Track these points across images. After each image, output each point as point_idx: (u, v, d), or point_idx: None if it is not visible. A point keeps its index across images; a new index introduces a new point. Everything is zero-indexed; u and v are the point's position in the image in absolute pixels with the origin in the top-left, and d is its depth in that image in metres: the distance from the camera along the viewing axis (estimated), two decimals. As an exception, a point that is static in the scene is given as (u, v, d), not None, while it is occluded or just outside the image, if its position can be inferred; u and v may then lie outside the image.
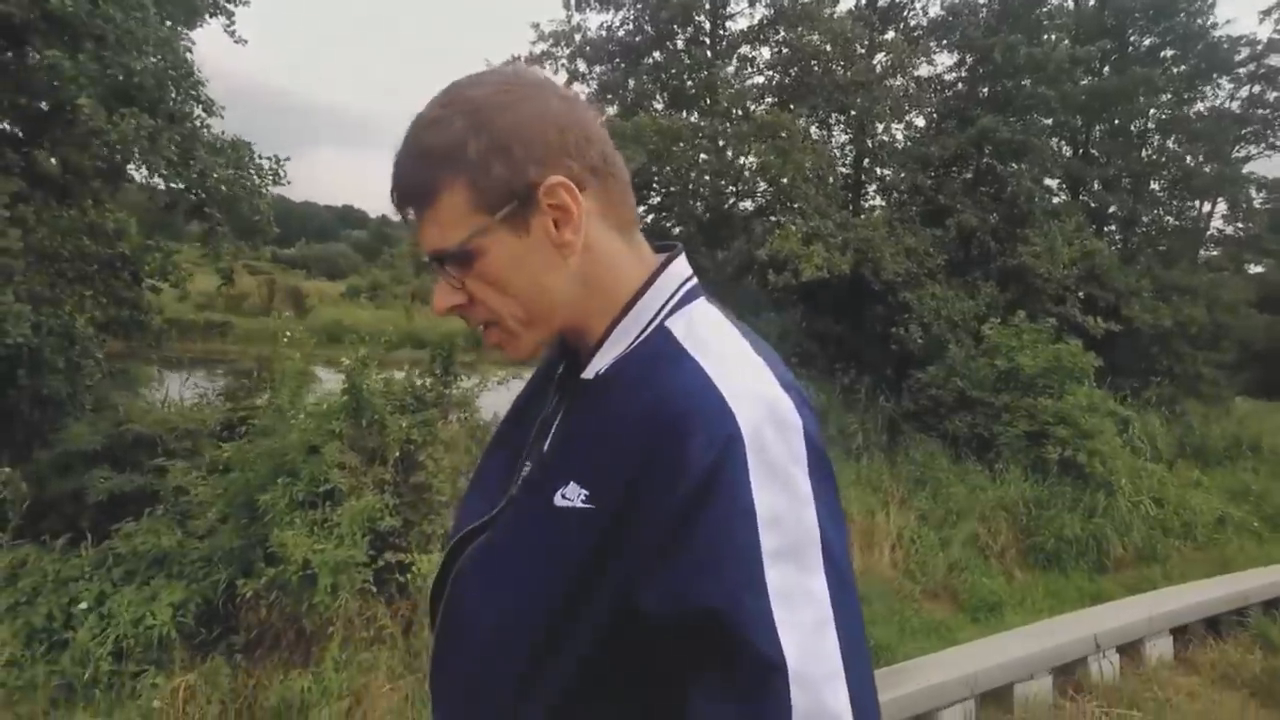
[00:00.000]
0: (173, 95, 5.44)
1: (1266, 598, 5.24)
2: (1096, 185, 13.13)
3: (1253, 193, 13.31)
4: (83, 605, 3.98)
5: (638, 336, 0.74)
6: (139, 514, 4.60)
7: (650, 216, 12.00)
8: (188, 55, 5.63)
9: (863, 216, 9.59)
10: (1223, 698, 3.99)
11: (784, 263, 8.32)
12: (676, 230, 11.14)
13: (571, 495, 0.69)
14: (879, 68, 11.11)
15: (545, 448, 0.78)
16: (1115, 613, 4.80)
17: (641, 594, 0.63)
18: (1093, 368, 8.74)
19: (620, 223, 0.77)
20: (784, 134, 8.51)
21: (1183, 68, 12.53)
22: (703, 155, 9.99)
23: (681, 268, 0.80)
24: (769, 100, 11.04)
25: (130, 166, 6.06)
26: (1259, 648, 4.64)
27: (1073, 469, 7.90)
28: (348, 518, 3.96)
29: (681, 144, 9.60)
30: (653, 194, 11.28)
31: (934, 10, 11.81)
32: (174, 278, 7.72)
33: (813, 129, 10.88)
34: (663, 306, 0.75)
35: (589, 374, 0.75)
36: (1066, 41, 10.62)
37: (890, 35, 11.72)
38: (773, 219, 9.78)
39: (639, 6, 11.45)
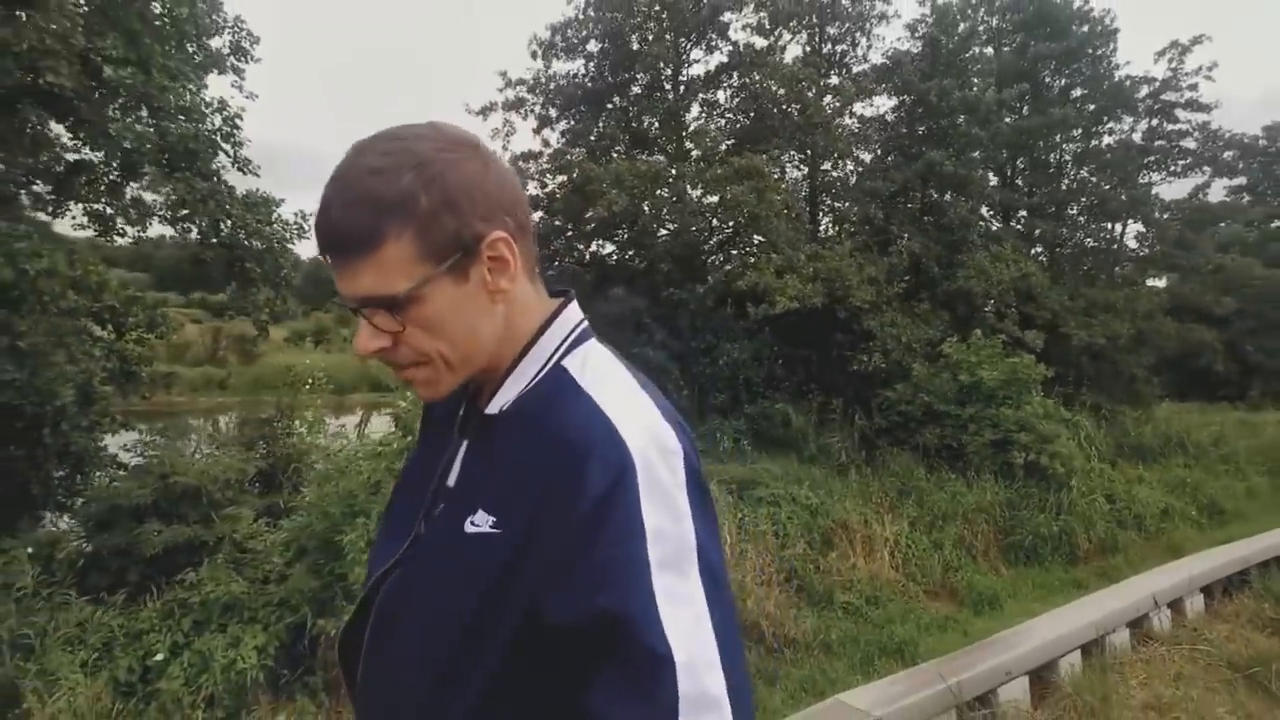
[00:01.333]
0: (219, 156, 5.62)
1: (1261, 560, 6.29)
2: (1023, 213, 14.37)
3: (1157, 214, 14.73)
4: (159, 656, 4.04)
5: (536, 374, 0.81)
6: (189, 565, 4.66)
7: (616, 256, 12.49)
8: (237, 120, 5.81)
9: (831, 248, 10.24)
10: (1252, 637, 4.78)
11: (761, 295, 8.86)
12: (642, 266, 11.65)
13: (480, 521, 0.75)
14: (829, 109, 11.97)
15: (451, 482, 0.84)
16: (1159, 578, 5.59)
17: (547, 605, 0.70)
18: (1043, 378, 9.55)
19: (530, 271, 0.84)
20: (758, 176, 9.11)
21: (1091, 106, 13.88)
22: (675, 197, 10.52)
23: (574, 312, 0.87)
24: (729, 142, 11.73)
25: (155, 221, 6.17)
26: (1271, 599, 5.47)
27: (1036, 472, 8.62)
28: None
29: (660, 189, 10.13)
30: (620, 233, 11.77)
31: (874, 57, 12.79)
32: (161, 330, 7.71)
33: (771, 168, 11.58)
34: (559, 347, 0.82)
35: (493, 409, 0.81)
36: (992, 85, 11.70)
37: (835, 80, 12.65)
38: (744, 253, 10.34)
39: (601, 54, 12.06)
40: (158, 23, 4.87)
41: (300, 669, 4.14)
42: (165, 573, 4.68)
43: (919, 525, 7.53)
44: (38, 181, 6.19)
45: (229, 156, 5.73)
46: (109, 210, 7.09)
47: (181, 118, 5.11)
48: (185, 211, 6.29)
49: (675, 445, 0.74)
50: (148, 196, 5.73)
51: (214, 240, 5.99)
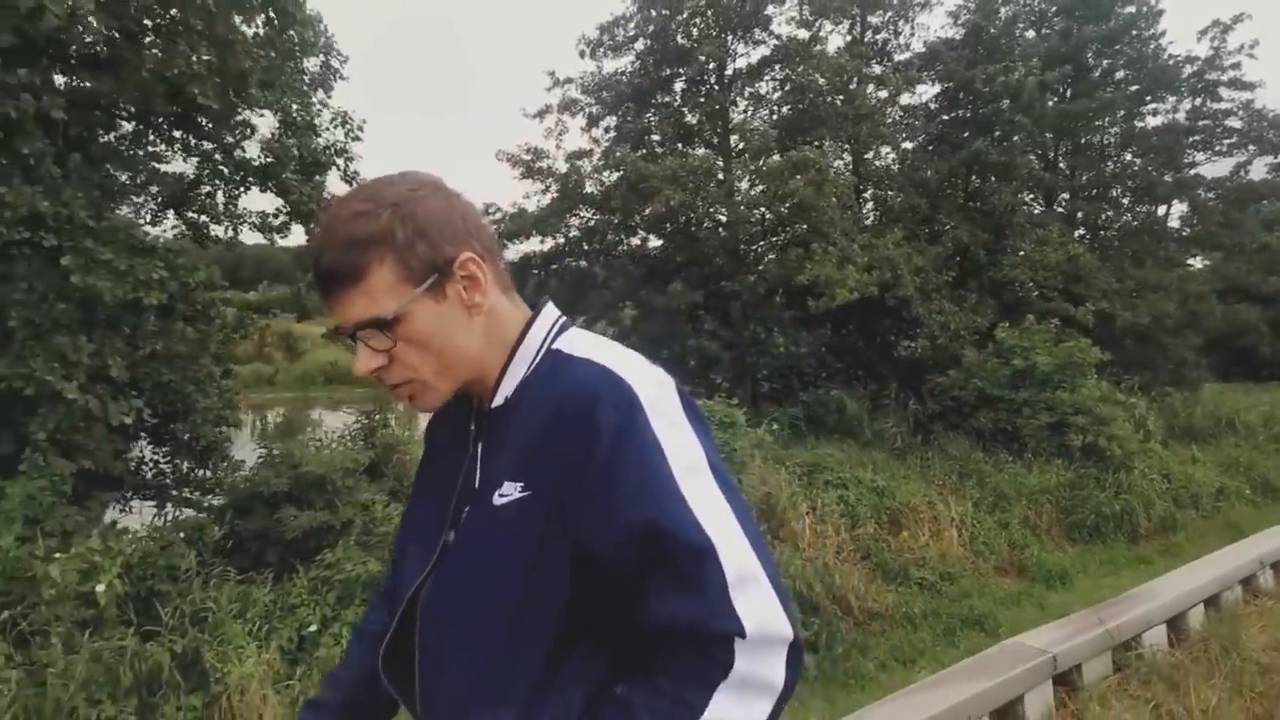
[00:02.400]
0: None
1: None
2: (1065, 196, 14.41)
3: (1201, 195, 14.68)
4: (312, 628, 4.44)
5: (530, 365, 0.90)
6: (322, 546, 5.07)
7: (667, 249, 12.73)
8: (359, 133, 6.22)
9: (881, 236, 10.44)
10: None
11: (821, 287, 9.12)
12: (693, 259, 11.92)
13: (508, 491, 0.83)
14: (874, 99, 12.11)
15: (477, 484, 0.90)
16: (1265, 542, 5.83)
17: (591, 540, 0.78)
18: (1099, 361, 9.70)
19: (504, 287, 0.94)
20: (815, 169, 9.33)
21: (1134, 87, 13.86)
22: (726, 191, 10.77)
23: (552, 310, 0.97)
24: (775, 133, 11.92)
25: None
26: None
27: (1094, 454, 8.81)
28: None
29: (710, 183, 10.39)
30: (670, 227, 12.03)
31: (917, 45, 12.89)
32: (245, 330, 8.13)
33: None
34: (545, 338, 0.92)
35: (498, 402, 0.90)
36: (1036, 70, 11.75)
37: (877, 69, 12.77)
38: (793, 244, 10.56)
39: (648, 52, 12.29)
40: (286, 45, 5.25)
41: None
42: (299, 554, 5.09)
43: (982, 506, 7.76)
44: (148, 193, 6.61)
45: (339, 170, 6.13)
46: (203, 219, 7.54)
47: (310, 132, 5.51)
48: (283, 220, 6.67)
49: (667, 378, 0.86)
50: (251, 206, 6.15)
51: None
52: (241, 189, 6.37)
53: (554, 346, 0.90)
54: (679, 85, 12.73)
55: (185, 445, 5.75)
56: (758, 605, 0.73)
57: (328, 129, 5.96)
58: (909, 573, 6.38)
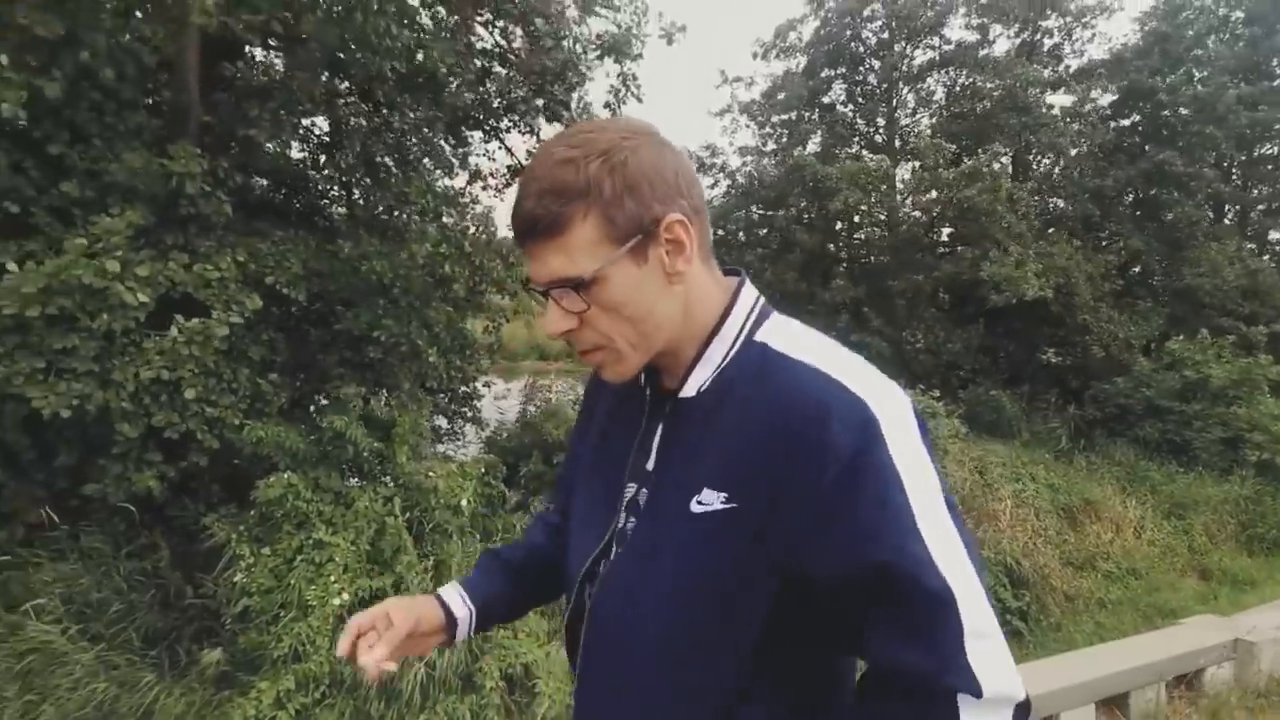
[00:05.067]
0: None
1: None
2: (1236, 208, 14.02)
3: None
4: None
5: (726, 354, 0.81)
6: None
7: (837, 246, 13.27)
8: None
9: (1055, 243, 10.67)
10: None
11: (1000, 285, 9.53)
12: (861, 257, 12.44)
13: (708, 500, 0.76)
14: (1042, 106, 12.20)
15: (650, 466, 0.84)
16: None
17: (812, 565, 0.72)
18: (1278, 380, 9.67)
19: (706, 254, 0.84)
20: (989, 178, 9.73)
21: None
22: (899, 193, 11.25)
23: (751, 291, 0.87)
24: (946, 140, 12.24)
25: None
26: None
27: (1270, 471, 8.88)
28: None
29: (883, 185, 10.90)
30: (842, 225, 12.58)
31: (1094, 52, 12.84)
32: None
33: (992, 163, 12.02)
34: (744, 325, 0.82)
35: (689, 392, 0.82)
36: (1228, 82, 11.56)
37: (1046, 73, 12.81)
38: (963, 248, 10.92)
39: (822, 55, 12.83)
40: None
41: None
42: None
43: (1159, 511, 8.06)
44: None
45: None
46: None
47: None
48: None
49: (903, 395, 0.77)
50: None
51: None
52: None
53: (758, 338, 0.81)
54: (846, 88, 13.23)
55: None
56: (992, 663, 0.68)
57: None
58: (1095, 564, 6.83)
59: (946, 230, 11.62)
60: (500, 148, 6.94)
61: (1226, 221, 13.95)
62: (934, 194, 11.04)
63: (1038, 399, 11.12)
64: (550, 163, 0.77)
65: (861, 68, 12.87)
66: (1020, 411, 10.83)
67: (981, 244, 10.27)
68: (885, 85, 12.89)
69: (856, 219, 11.66)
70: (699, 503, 0.76)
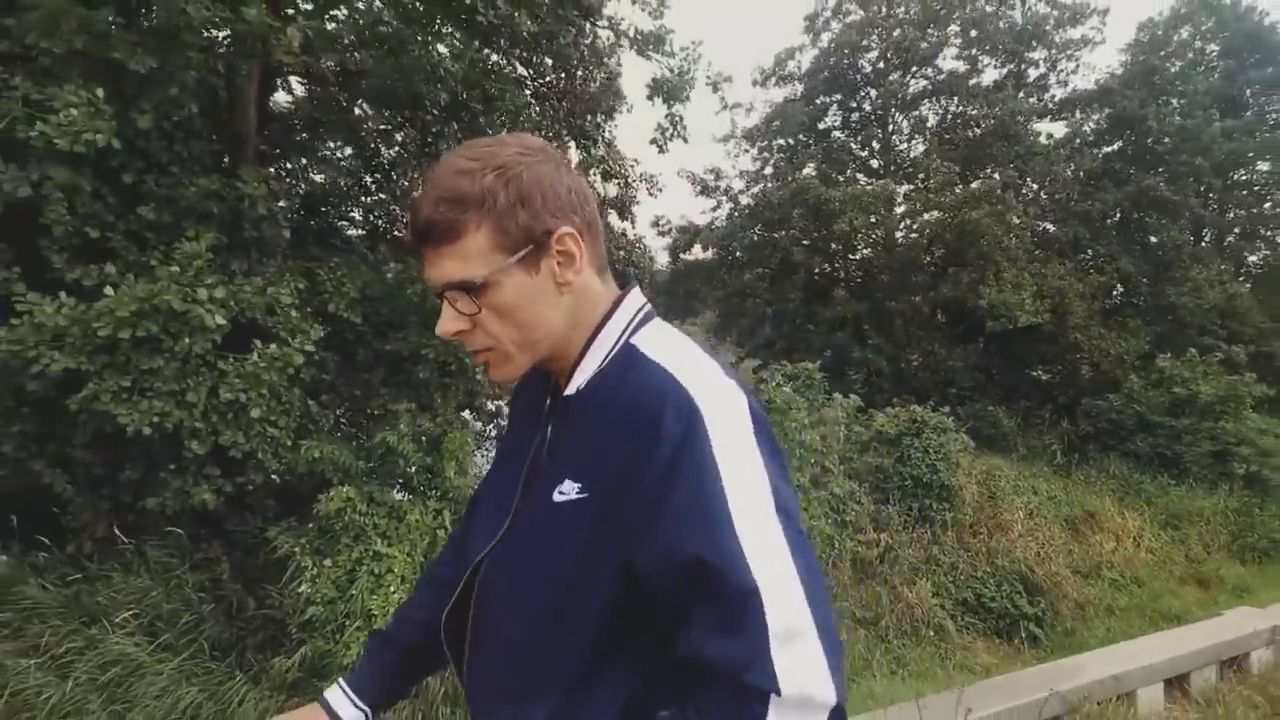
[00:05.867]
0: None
1: None
2: (1215, 231, 14.64)
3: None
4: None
5: (607, 355, 0.86)
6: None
7: (834, 267, 13.61)
8: None
9: (1048, 265, 11.09)
10: None
11: (997, 311, 9.90)
12: (861, 277, 12.78)
13: (567, 490, 0.81)
14: (1029, 134, 12.70)
15: (543, 462, 0.89)
16: None
17: (638, 555, 0.75)
18: (1264, 396, 10.11)
19: (599, 267, 0.89)
20: (995, 200, 10.13)
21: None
22: (899, 216, 11.64)
23: (637, 297, 0.91)
24: (955, 169, 12.67)
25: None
26: None
27: (1257, 482, 9.29)
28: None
29: (882, 208, 11.29)
30: (840, 246, 12.94)
31: (1079, 82, 13.41)
32: None
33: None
34: (625, 329, 0.88)
35: (570, 391, 0.87)
36: (1214, 114, 12.14)
37: (1032, 101, 13.34)
38: (961, 269, 11.31)
39: (820, 83, 13.27)
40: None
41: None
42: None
43: (1155, 522, 8.40)
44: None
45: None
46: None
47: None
48: None
49: (739, 395, 0.79)
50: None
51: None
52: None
53: (632, 341, 0.86)
54: (842, 115, 13.68)
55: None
56: (801, 664, 0.68)
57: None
58: (1100, 572, 7.12)
59: (939, 252, 12.00)
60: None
61: (1204, 244, 14.55)
62: (932, 215, 11.45)
63: (1031, 415, 11.50)
64: (449, 172, 0.81)
65: (858, 95, 13.32)
66: (1016, 427, 11.19)
67: (979, 265, 10.65)
68: (880, 112, 13.35)
69: (856, 240, 12.02)
70: (560, 493, 0.81)
